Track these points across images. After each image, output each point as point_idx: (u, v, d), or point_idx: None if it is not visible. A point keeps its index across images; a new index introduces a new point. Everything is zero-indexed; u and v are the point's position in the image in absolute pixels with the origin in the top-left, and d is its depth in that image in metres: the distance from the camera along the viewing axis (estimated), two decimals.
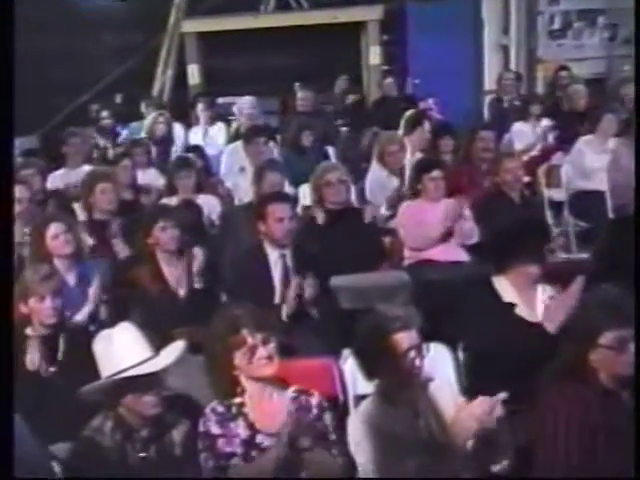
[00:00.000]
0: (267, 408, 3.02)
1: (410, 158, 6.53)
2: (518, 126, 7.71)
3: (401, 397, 3.00)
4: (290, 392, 3.07)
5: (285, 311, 4.35)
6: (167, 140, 8.11)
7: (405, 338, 2.99)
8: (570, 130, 7.33)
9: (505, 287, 3.82)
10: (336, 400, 3.52)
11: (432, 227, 5.18)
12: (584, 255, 5.47)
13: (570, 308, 3.59)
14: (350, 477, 2.99)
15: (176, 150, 8.02)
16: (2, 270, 2.78)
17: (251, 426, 2.98)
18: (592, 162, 6.57)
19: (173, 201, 5.84)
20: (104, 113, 8.74)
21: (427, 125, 7.14)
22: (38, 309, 3.72)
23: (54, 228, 4.58)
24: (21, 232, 5.12)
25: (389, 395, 3.02)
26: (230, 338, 2.98)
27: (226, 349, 2.98)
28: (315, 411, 3.04)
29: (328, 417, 3.06)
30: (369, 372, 3.11)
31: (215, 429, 2.98)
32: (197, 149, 7.67)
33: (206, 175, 6.77)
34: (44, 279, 3.76)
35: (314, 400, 3.06)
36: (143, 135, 8.02)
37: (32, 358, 3.67)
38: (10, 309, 3.03)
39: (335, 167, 5.61)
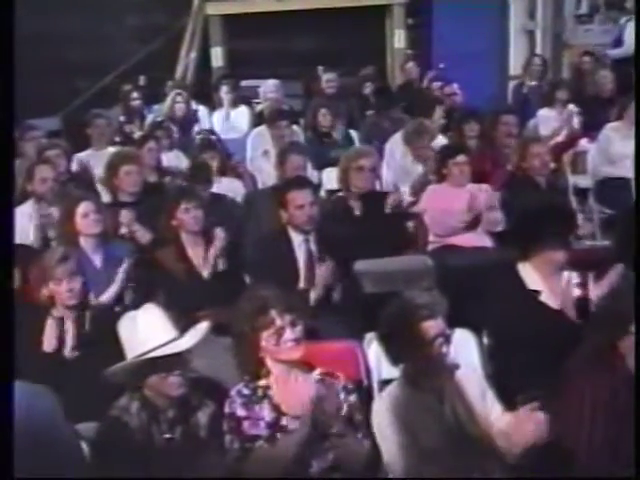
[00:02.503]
0: (292, 390, 3.02)
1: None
2: (544, 112, 7.65)
3: (427, 383, 3.01)
4: (315, 375, 3.07)
5: (313, 297, 4.35)
6: (188, 120, 8.11)
7: (432, 326, 2.98)
8: (596, 116, 7.27)
9: (530, 273, 3.81)
10: (360, 384, 3.52)
11: (457, 215, 5.17)
12: (608, 242, 5.43)
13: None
14: (375, 461, 2.99)
15: (198, 132, 8.03)
16: (4, 254, 2.78)
17: (276, 408, 2.99)
18: (619, 148, 6.50)
19: None
20: (135, 94, 8.72)
21: (438, 111, 7.20)
22: (57, 292, 3.75)
23: (84, 207, 4.57)
24: (45, 212, 5.16)
25: (415, 380, 3.02)
26: (259, 319, 2.98)
27: (254, 330, 2.98)
28: (341, 394, 3.04)
29: (353, 400, 3.06)
30: (395, 358, 3.10)
31: (241, 411, 2.98)
32: (213, 132, 7.67)
33: (227, 158, 6.75)
34: (59, 262, 3.77)
35: (339, 383, 3.06)
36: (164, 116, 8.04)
37: (49, 339, 3.70)
38: (11, 296, 3.00)
39: (369, 153, 5.54)
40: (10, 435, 2.42)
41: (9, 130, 3.03)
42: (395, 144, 6.66)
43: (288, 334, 2.97)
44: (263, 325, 2.97)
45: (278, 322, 2.97)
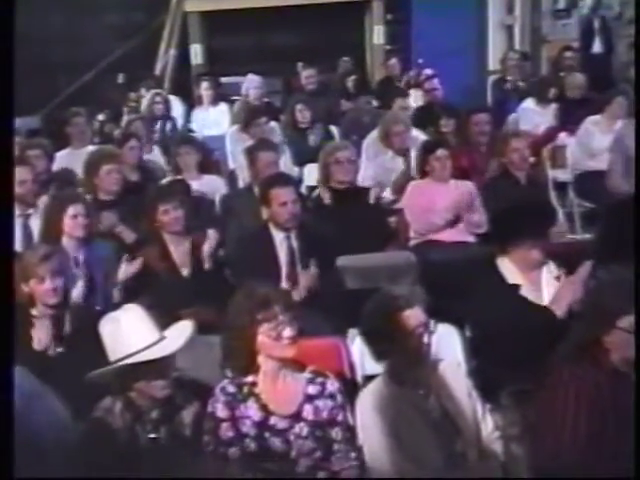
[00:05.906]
0: (281, 389, 2.98)
1: None
2: (524, 106, 7.68)
3: (411, 377, 3.02)
4: (306, 374, 3.03)
5: (296, 298, 4.31)
6: (166, 119, 8.09)
7: (411, 316, 3.00)
8: (575, 111, 7.30)
9: (509, 268, 3.82)
10: (344, 379, 3.52)
11: (439, 212, 5.19)
12: (588, 236, 5.46)
13: (577, 292, 3.61)
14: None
15: (178, 129, 8.03)
16: (3, 251, 2.76)
17: (264, 407, 2.94)
18: (599, 142, 6.53)
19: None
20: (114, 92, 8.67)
21: (400, 102, 7.32)
22: (38, 290, 3.70)
23: (75, 209, 4.54)
24: (25, 212, 5.13)
25: (398, 376, 3.03)
26: (260, 312, 2.91)
27: (253, 322, 2.91)
28: (338, 396, 3.01)
29: (344, 400, 3.03)
30: (378, 354, 3.11)
31: (221, 412, 2.94)
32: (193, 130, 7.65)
33: (208, 155, 6.73)
34: (42, 260, 3.71)
35: (330, 385, 3.02)
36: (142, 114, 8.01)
37: (39, 337, 3.66)
38: (10, 295, 2.97)
39: (346, 146, 5.60)
40: (10, 435, 2.41)
41: (8, 130, 3.00)
42: (371, 141, 6.67)
43: (287, 331, 2.92)
44: (266, 317, 2.91)
45: (280, 317, 2.93)
